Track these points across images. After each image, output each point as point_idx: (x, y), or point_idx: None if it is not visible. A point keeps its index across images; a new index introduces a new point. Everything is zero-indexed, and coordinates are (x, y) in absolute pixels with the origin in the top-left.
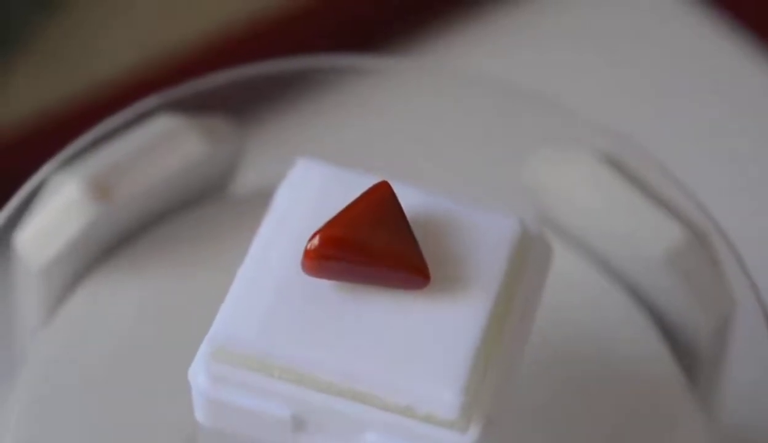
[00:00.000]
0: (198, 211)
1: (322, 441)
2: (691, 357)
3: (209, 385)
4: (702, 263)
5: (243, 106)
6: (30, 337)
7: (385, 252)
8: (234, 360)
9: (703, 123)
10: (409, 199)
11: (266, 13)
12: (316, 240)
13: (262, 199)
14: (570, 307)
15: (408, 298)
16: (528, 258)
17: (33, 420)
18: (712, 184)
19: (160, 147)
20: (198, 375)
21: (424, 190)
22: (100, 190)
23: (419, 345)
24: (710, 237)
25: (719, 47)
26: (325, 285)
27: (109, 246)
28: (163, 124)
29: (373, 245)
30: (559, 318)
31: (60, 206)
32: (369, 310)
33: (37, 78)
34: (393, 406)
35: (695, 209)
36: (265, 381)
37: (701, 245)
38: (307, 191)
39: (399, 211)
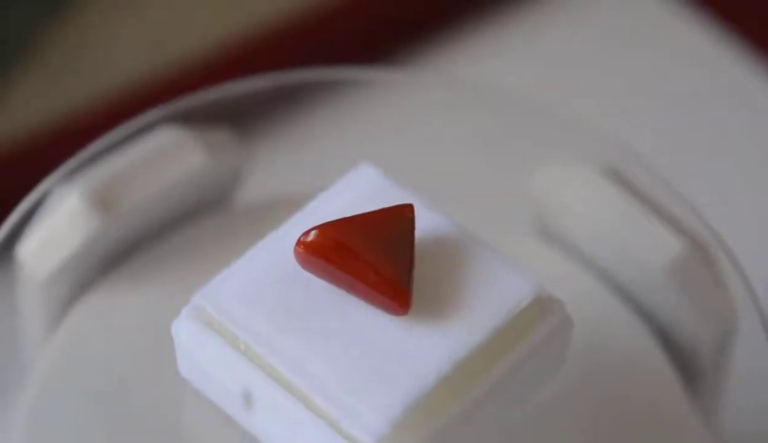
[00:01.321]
0: (200, 223)
1: (267, 425)
2: (693, 368)
3: (186, 341)
4: (703, 275)
5: (245, 118)
6: (33, 349)
7: (372, 270)
8: (212, 324)
9: (705, 134)
10: (438, 226)
11: (268, 25)
12: (312, 233)
13: (264, 211)
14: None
15: (391, 319)
16: (539, 328)
17: (35, 432)
18: (714, 196)
19: (162, 159)
20: (180, 330)
21: (457, 223)
22: (103, 202)
23: (377, 365)
24: (712, 250)
25: (725, 58)
26: (320, 283)
27: (112, 258)
28: (165, 137)
29: (363, 258)
30: None
31: (62, 218)
32: (349, 318)
33: (40, 90)
34: (325, 414)
35: (697, 221)
36: (230, 353)
37: (703, 257)
38: (351, 193)
39: (409, 235)
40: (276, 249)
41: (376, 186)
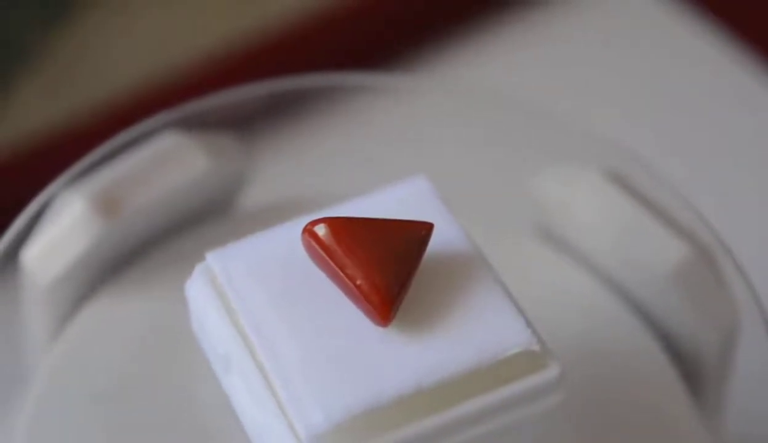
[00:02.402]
0: (204, 228)
1: (237, 391)
2: (696, 372)
3: (193, 298)
4: (707, 279)
5: (249, 123)
6: (37, 353)
7: (363, 274)
8: (215, 285)
9: (707, 137)
10: (459, 247)
11: (272, 30)
12: (323, 223)
13: (267, 216)
14: (573, 321)
15: (375, 327)
16: (520, 382)
17: (40, 436)
18: (716, 199)
19: (166, 164)
20: (190, 286)
21: (480, 251)
22: (107, 207)
23: (344, 367)
24: (715, 254)
25: (728, 60)
26: (323, 277)
27: (116, 263)
28: (169, 142)
29: (359, 260)
30: (563, 335)
31: (67, 223)
32: (337, 315)
33: (43, 95)
34: (278, 396)
35: (700, 225)
36: (223, 316)
37: (706, 261)
38: (394, 196)
39: (417, 252)
40: (297, 233)
41: (418, 198)
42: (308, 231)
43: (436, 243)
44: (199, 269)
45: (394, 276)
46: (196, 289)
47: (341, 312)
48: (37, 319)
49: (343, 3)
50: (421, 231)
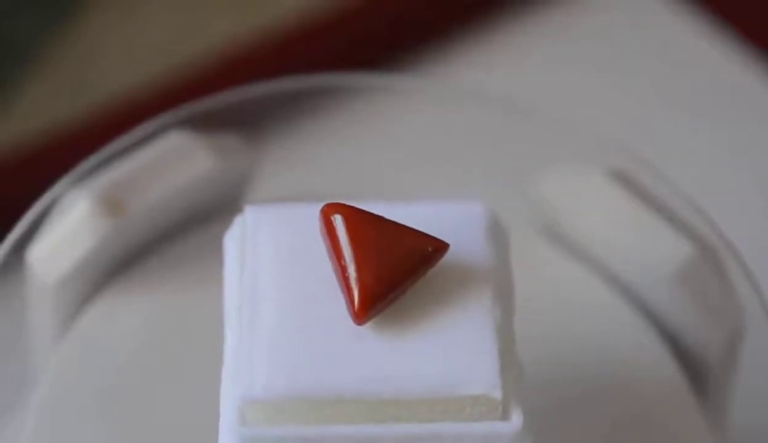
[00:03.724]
0: (209, 228)
1: (227, 343)
2: (701, 371)
3: (227, 245)
4: (711, 278)
5: (254, 123)
6: (43, 352)
7: (354, 267)
8: (243, 237)
9: (710, 137)
10: (476, 275)
11: (277, 30)
12: (342, 207)
13: None
14: (578, 322)
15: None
16: (478, 422)
17: (46, 435)
18: (721, 198)
19: (171, 163)
20: (228, 236)
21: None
22: (113, 206)
23: (309, 350)
24: (719, 253)
25: (732, 63)
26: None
27: (121, 262)
28: (174, 141)
29: (356, 252)
30: (567, 333)
31: (72, 222)
32: (331, 299)
33: (48, 95)
34: (238, 356)
35: (704, 224)
36: (236, 268)
37: (710, 260)
38: (441, 211)
39: (420, 266)
40: None
41: (464, 220)
42: (324, 212)
43: (455, 263)
44: (237, 219)
45: (385, 280)
46: (229, 238)
47: (331, 300)
48: (42, 318)
49: (346, 3)
50: (428, 248)
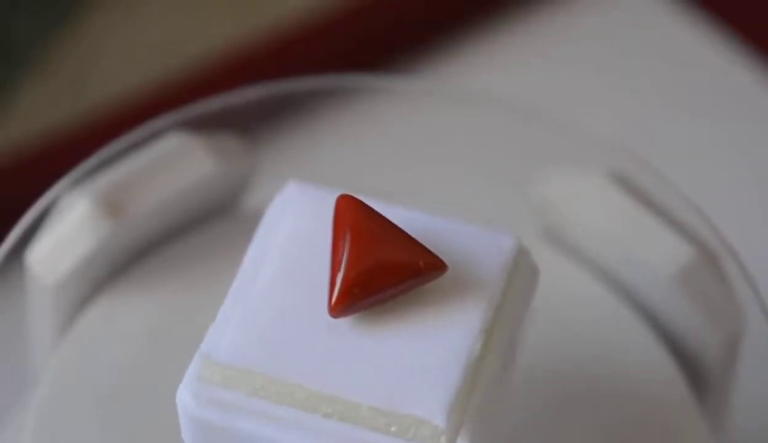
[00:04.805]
0: (209, 229)
1: None
2: (701, 374)
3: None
4: (711, 281)
5: (253, 124)
6: (42, 353)
7: (346, 260)
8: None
9: (709, 139)
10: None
11: (276, 33)
12: (356, 200)
13: None
14: (578, 325)
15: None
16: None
17: (46, 436)
18: (721, 200)
19: (171, 165)
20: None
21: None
22: (112, 207)
23: (281, 328)
24: (720, 255)
25: (732, 63)
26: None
27: (121, 264)
28: (173, 143)
29: (355, 248)
30: (568, 335)
31: (72, 224)
32: (323, 285)
33: (48, 97)
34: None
35: (704, 227)
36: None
37: (711, 263)
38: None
39: (409, 278)
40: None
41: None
42: (338, 202)
43: (459, 286)
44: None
45: (366, 282)
46: (270, 208)
47: (320, 289)
48: (42, 319)
49: (346, 5)
50: (420, 263)
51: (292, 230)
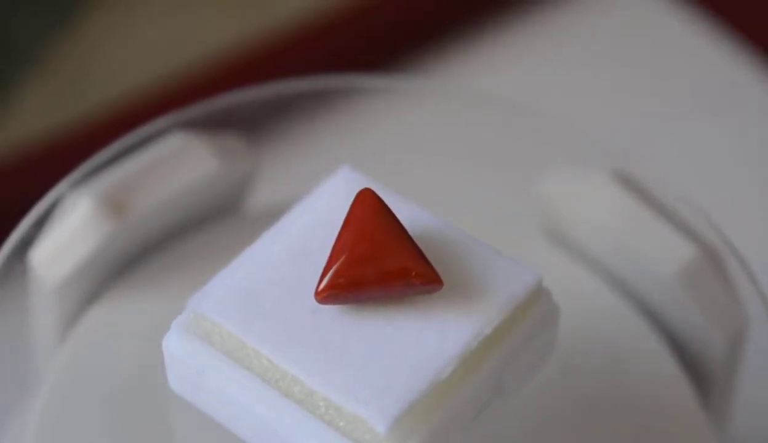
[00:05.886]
0: (211, 229)
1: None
2: (704, 374)
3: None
4: (714, 280)
5: (255, 125)
6: (45, 354)
7: (346, 250)
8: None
9: (710, 138)
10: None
11: (279, 32)
12: (374, 195)
13: (274, 217)
14: (579, 323)
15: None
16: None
17: (48, 437)
18: (723, 199)
19: (173, 165)
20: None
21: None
22: (115, 207)
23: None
24: (722, 255)
25: (732, 63)
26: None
27: (123, 264)
28: (176, 142)
29: (355, 240)
30: (571, 335)
31: (74, 224)
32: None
33: (50, 97)
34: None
35: (706, 226)
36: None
37: (713, 262)
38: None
39: (405, 288)
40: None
41: (505, 277)
42: (361, 192)
43: (463, 306)
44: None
45: (353, 277)
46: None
47: (317, 271)
48: (45, 320)
49: (349, 6)
50: (411, 273)
51: (321, 211)
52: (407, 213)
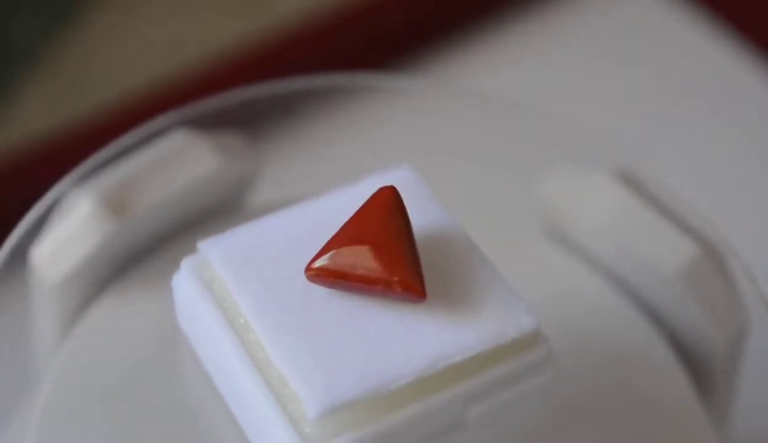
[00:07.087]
0: (212, 228)
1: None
2: (705, 372)
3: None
4: (715, 279)
5: (257, 123)
6: (45, 353)
7: (344, 244)
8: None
9: (712, 137)
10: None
11: (280, 31)
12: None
13: None
14: (581, 323)
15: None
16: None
17: (49, 436)
18: (724, 198)
19: (174, 163)
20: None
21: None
22: (115, 206)
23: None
24: (723, 253)
25: (732, 63)
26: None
27: (124, 262)
28: (177, 141)
29: (358, 232)
30: (571, 334)
31: (75, 222)
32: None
33: (51, 96)
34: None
35: (707, 225)
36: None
37: (714, 261)
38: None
39: (396, 293)
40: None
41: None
42: (384, 190)
43: (450, 318)
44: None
45: (338, 265)
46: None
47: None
48: (45, 318)
49: (349, 5)
50: (394, 278)
51: (358, 197)
52: (438, 221)
